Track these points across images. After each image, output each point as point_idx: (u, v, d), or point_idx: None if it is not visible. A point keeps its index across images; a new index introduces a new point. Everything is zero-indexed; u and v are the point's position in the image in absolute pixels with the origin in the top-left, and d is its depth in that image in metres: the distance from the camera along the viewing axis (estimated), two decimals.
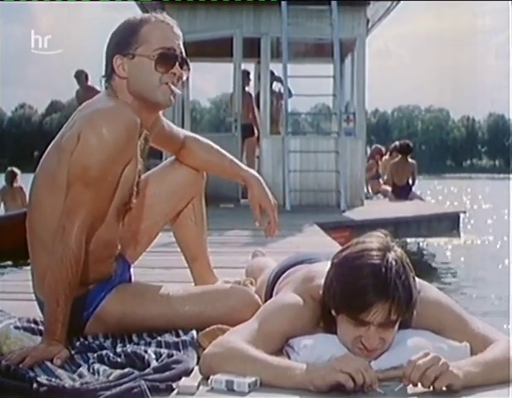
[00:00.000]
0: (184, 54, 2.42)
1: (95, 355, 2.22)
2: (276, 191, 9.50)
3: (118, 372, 2.02)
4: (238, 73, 10.72)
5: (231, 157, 2.86)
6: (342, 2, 10.30)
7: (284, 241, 5.91)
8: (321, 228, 7.39)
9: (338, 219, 8.87)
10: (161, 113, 2.61)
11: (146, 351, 2.17)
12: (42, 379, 1.94)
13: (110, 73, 2.41)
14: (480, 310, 6.48)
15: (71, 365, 2.16)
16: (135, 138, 2.32)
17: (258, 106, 11.06)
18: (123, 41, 2.38)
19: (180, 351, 2.22)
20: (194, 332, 2.38)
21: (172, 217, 2.89)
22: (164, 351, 2.19)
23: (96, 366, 2.11)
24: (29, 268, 2.51)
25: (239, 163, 2.86)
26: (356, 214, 9.44)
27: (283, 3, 10.22)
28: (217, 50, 11.47)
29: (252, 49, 10.73)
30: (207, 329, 2.37)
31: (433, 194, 24.34)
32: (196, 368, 2.09)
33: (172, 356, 2.12)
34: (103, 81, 2.45)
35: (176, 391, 1.94)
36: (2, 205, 11.06)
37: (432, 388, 1.86)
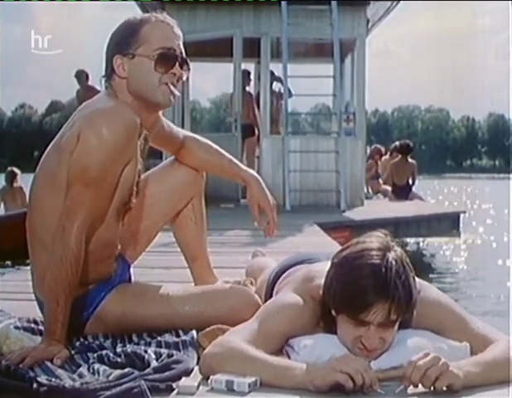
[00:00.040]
0: (184, 54, 2.42)
1: (95, 355, 2.22)
2: (276, 191, 9.52)
3: (118, 372, 2.02)
4: (238, 73, 10.72)
5: (230, 157, 2.86)
6: (342, 2, 10.30)
7: (284, 241, 5.92)
8: (321, 228, 7.39)
9: (338, 219, 8.87)
10: (160, 113, 2.61)
11: (146, 351, 2.17)
12: (42, 379, 1.94)
13: (110, 73, 2.41)
14: (480, 310, 6.49)
15: (71, 365, 2.16)
16: (135, 138, 2.32)
17: (258, 106, 11.06)
18: (123, 40, 2.38)
19: (180, 351, 2.22)
20: (194, 332, 2.38)
21: (172, 217, 2.89)
22: (164, 351, 2.19)
23: (96, 366, 2.11)
24: (29, 268, 2.51)
25: (238, 163, 2.86)
26: (356, 214, 9.44)
27: (283, 3, 10.22)
28: (217, 50, 11.47)
29: (252, 49, 10.73)
30: (207, 329, 2.37)
31: (433, 194, 24.35)
32: (196, 368, 2.09)
33: (172, 356, 2.12)
34: (103, 81, 2.45)
35: (176, 391, 1.94)
36: (2, 205, 11.06)
37: (432, 388, 1.86)
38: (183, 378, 1.99)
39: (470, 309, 5.23)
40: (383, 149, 14.64)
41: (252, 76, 11.98)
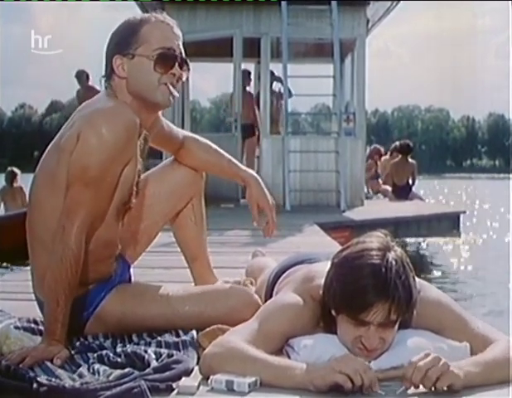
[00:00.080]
0: (183, 54, 2.42)
1: (95, 355, 2.22)
2: (276, 191, 9.52)
3: (118, 372, 2.02)
4: (238, 73, 10.72)
5: (229, 157, 2.86)
6: (342, 2, 10.30)
7: (284, 241, 5.92)
8: (321, 228, 7.39)
9: (338, 219, 8.87)
10: (160, 113, 2.61)
11: (146, 352, 2.17)
12: (42, 379, 1.94)
13: (110, 73, 2.41)
14: (480, 310, 6.48)
15: (71, 365, 2.16)
16: (135, 138, 2.32)
17: (258, 106, 11.06)
18: (123, 41, 2.38)
19: (180, 351, 2.22)
20: (194, 332, 2.38)
21: (172, 217, 2.89)
22: (164, 351, 2.19)
23: (96, 366, 2.11)
24: (29, 268, 2.51)
25: (238, 163, 2.86)
26: (356, 214, 9.44)
27: (283, 3, 10.23)
28: (217, 50, 11.47)
29: (252, 49, 10.73)
30: (207, 329, 2.37)
31: (433, 194, 24.34)
32: (196, 368, 2.09)
33: (172, 356, 2.12)
34: (102, 81, 2.45)
35: (176, 391, 1.94)
36: (2, 205, 11.06)
37: (433, 389, 1.86)
38: (183, 378, 1.99)
39: (471, 309, 5.23)
40: (382, 149, 14.64)
41: (252, 76, 11.98)
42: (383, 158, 14.03)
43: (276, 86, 11.37)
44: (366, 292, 1.97)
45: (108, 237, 2.44)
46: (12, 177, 11.06)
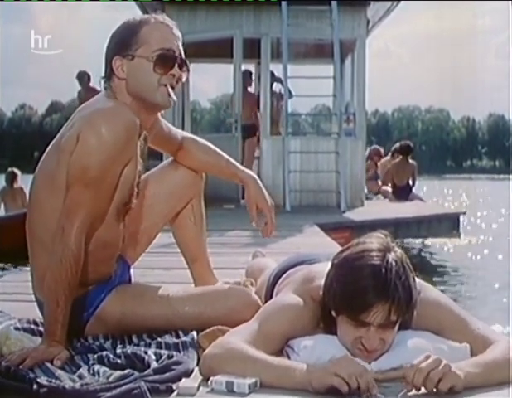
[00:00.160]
0: (183, 55, 2.42)
1: (95, 356, 2.22)
2: (276, 192, 9.53)
3: (118, 373, 2.01)
4: (238, 74, 10.71)
5: (228, 157, 2.86)
6: (342, 3, 10.30)
7: (284, 242, 5.92)
8: (321, 229, 7.39)
9: (338, 219, 8.87)
10: (159, 114, 2.61)
11: (146, 353, 2.17)
12: (42, 380, 1.94)
13: (109, 74, 2.41)
14: (480, 310, 6.48)
15: (71, 366, 2.16)
16: (134, 139, 2.32)
17: (259, 107, 11.06)
18: (123, 42, 2.38)
19: (180, 352, 2.22)
20: (194, 333, 2.38)
21: (172, 218, 2.89)
22: (164, 352, 2.19)
23: (96, 367, 2.11)
24: (29, 269, 2.51)
25: (237, 164, 2.86)
26: (356, 214, 9.44)
27: (283, 4, 10.23)
28: (217, 50, 11.46)
29: (252, 49, 10.72)
30: (207, 330, 2.38)
31: (433, 194, 24.34)
32: (196, 369, 2.09)
33: (172, 357, 2.12)
34: (102, 82, 2.45)
35: (176, 392, 1.94)
36: (3, 205, 11.06)
37: (434, 390, 1.86)
38: (183, 379, 1.99)
39: (471, 310, 5.23)
40: (382, 150, 14.63)
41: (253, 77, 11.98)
42: (383, 159, 14.02)
43: (276, 87, 11.36)
44: (366, 293, 1.97)
45: (109, 238, 2.44)
46: (12, 178, 11.06)
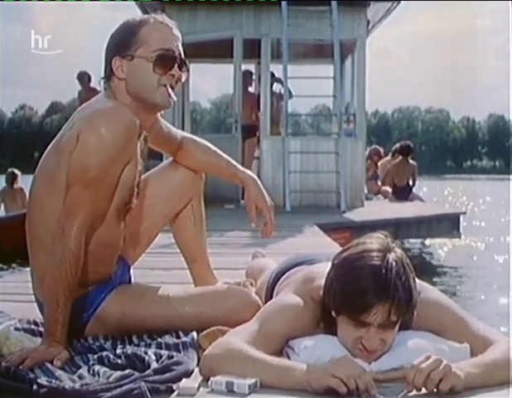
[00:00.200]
0: (183, 55, 2.42)
1: (95, 356, 2.21)
2: (276, 192, 9.53)
3: (118, 374, 2.01)
4: (238, 74, 10.71)
5: (228, 157, 2.86)
6: (342, 3, 10.29)
7: (284, 242, 5.92)
8: (321, 229, 7.38)
9: (338, 220, 8.86)
10: (159, 114, 2.61)
11: (146, 353, 2.17)
12: (42, 380, 1.94)
13: (109, 74, 2.41)
14: (480, 311, 6.48)
15: (71, 366, 2.16)
16: (134, 139, 2.32)
17: (259, 107, 11.05)
18: (122, 42, 2.38)
19: (180, 352, 2.22)
20: (194, 334, 2.38)
21: (171, 218, 2.89)
22: (164, 352, 2.19)
23: (96, 367, 2.11)
24: (29, 269, 2.51)
25: (236, 164, 2.86)
26: (356, 215, 9.43)
27: (283, 4, 10.22)
28: (217, 51, 11.46)
29: (252, 50, 10.72)
30: (207, 330, 2.37)
31: (433, 195, 24.34)
32: (197, 369, 2.09)
33: (172, 357, 2.12)
34: (102, 82, 2.45)
35: (176, 393, 1.94)
36: (3, 206, 11.07)
37: (435, 391, 1.86)
38: (183, 379, 1.99)
39: (471, 310, 5.23)
40: (381, 150, 14.63)
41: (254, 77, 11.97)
42: (383, 160, 14.01)
43: (276, 87, 11.35)
44: (366, 293, 1.97)
45: (109, 238, 2.44)
46: (12, 179, 11.07)
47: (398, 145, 13.72)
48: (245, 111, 10.81)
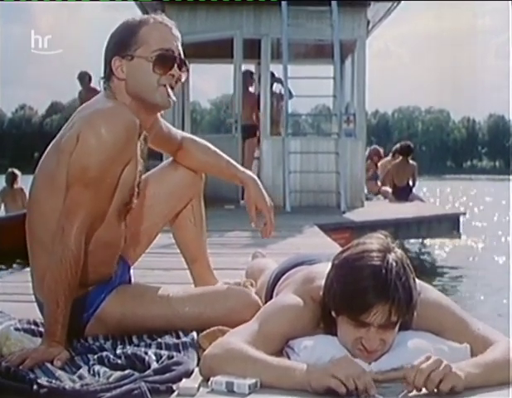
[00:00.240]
0: (182, 55, 2.42)
1: (95, 356, 2.21)
2: (276, 193, 9.52)
3: (118, 374, 2.01)
4: (238, 74, 10.70)
5: (228, 158, 2.86)
6: (342, 3, 10.28)
7: (284, 242, 5.92)
8: (321, 229, 7.38)
9: (338, 220, 8.86)
10: (159, 114, 2.61)
11: (146, 353, 2.17)
12: (42, 380, 1.94)
13: (109, 74, 2.41)
14: (480, 311, 6.48)
15: (71, 366, 2.16)
16: (134, 139, 2.32)
17: (259, 107, 11.05)
18: (122, 42, 2.38)
19: (180, 352, 2.22)
20: (194, 334, 2.38)
21: (171, 218, 2.89)
22: (164, 352, 2.19)
23: (96, 367, 2.11)
24: (29, 269, 2.51)
25: (236, 164, 2.86)
26: (356, 215, 9.43)
27: (283, 4, 10.22)
28: (217, 51, 11.45)
29: (252, 50, 10.71)
30: (207, 330, 2.37)
31: (433, 195, 24.34)
32: (197, 369, 2.09)
33: (173, 357, 2.12)
34: (101, 82, 2.45)
35: (176, 393, 1.94)
36: (3, 206, 11.08)
37: (435, 391, 1.86)
38: (183, 379, 1.99)
39: (471, 310, 5.23)
40: (381, 150, 14.62)
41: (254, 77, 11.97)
42: (384, 160, 14.01)
43: (276, 87, 11.35)
44: (366, 293, 1.97)
45: (110, 238, 2.44)
46: (12, 179, 11.08)
47: (398, 145, 13.72)
48: (245, 111, 10.80)
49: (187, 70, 2.45)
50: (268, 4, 10.23)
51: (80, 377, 2.04)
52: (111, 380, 1.97)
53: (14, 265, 8.25)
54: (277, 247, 5.31)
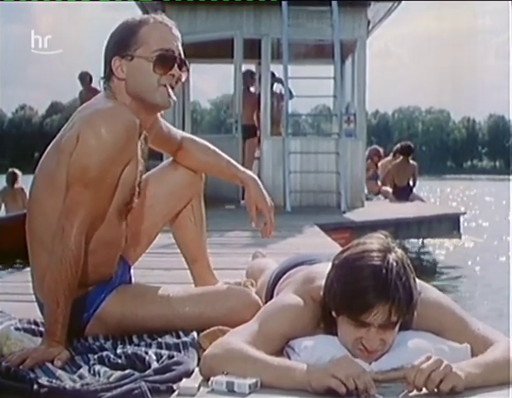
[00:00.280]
0: (182, 55, 2.42)
1: (96, 356, 2.21)
2: (276, 193, 9.52)
3: (118, 373, 2.01)
4: (238, 74, 10.70)
5: (228, 158, 2.86)
6: (343, 3, 10.28)
7: (284, 242, 5.92)
8: (321, 229, 7.38)
9: (338, 220, 8.86)
10: (159, 114, 2.61)
11: (146, 353, 2.17)
12: (43, 380, 1.94)
13: (109, 74, 2.41)
14: (480, 311, 6.48)
15: (72, 366, 2.16)
16: (134, 139, 2.32)
17: (259, 107, 11.05)
18: (122, 42, 2.38)
19: (180, 352, 2.22)
20: (194, 334, 2.38)
21: (171, 218, 2.89)
22: (164, 352, 2.19)
23: (97, 367, 2.11)
24: (29, 269, 2.51)
25: (236, 164, 2.86)
26: (357, 215, 9.43)
27: (284, 4, 10.22)
28: (217, 51, 11.46)
29: (252, 50, 10.71)
30: (208, 330, 2.37)
31: (433, 195, 24.34)
32: (197, 369, 2.09)
33: (173, 357, 2.12)
34: (101, 82, 2.45)
35: (176, 393, 1.94)
36: (3, 206, 11.08)
37: (435, 391, 1.86)
38: (184, 379, 1.99)
39: (471, 310, 5.23)
40: (381, 150, 14.62)
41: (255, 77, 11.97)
42: (384, 160, 14.00)
43: (276, 87, 11.34)
44: (367, 293, 1.97)
45: (111, 238, 2.44)
46: (13, 179, 11.09)
47: (398, 145, 13.72)
48: (246, 111, 10.81)
49: (187, 70, 2.45)
50: (269, 4, 10.23)
51: (81, 377, 2.04)
52: (111, 379, 1.97)
53: (14, 265, 8.25)
54: (277, 247, 5.30)
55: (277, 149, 10.65)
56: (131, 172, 2.37)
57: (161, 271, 4.20)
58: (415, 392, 1.88)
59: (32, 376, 1.98)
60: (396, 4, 10.96)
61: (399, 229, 8.95)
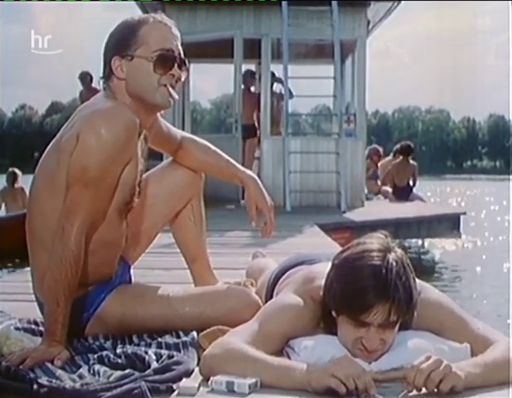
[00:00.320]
0: (182, 55, 2.42)
1: (96, 356, 2.21)
2: (276, 192, 9.52)
3: (118, 373, 2.01)
4: (238, 74, 10.71)
5: (228, 157, 2.86)
6: (343, 3, 10.29)
7: (284, 242, 5.92)
8: (321, 229, 7.39)
9: (338, 220, 8.86)
10: (159, 114, 2.61)
11: (146, 353, 2.17)
12: (43, 380, 1.94)
13: (108, 74, 2.41)
14: (480, 311, 6.49)
15: (72, 366, 2.16)
16: (134, 138, 2.32)
17: (259, 107, 11.05)
18: (122, 42, 2.38)
19: (180, 352, 2.22)
20: (194, 333, 2.38)
21: (171, 218, 2.89)
22: (164, 352, 2.19)
23: (96, 367, 2.11)
24: (29, 269, 2.51)
25: (236, 164, 2.86)
26: (357, 215, 9.43)
27: (284, 4, 10.22)
28: (217, 50, 11.45)
29: (252, 50, 10.72)
30: (207, 330, 2.37)
31: (433, 195, 24.34)
32: (197, 369, 2.09)
33: (173, 357, 2.12)
34: (101, 82, 2.45)
35: (176, 392, 1.94)
36: (3, 206, 11.09)
37: (435, 391, 1.86)
38: (183, 379, 1.99)
39: (471, 310, 5.23)
40: (381, 150, 14.61)
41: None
42: (384, 160, 14.00)
43: (276, 87, 11.35)
44: (366, 293, 1.97)
45: (111, 238, 2.43)
46: (13, 178, 11.09)
47: (398, 145, 13.71)
48: (246, 111, 10.81)
49: (187, 70, 2.45)
50: (269, 4, 10.23)
51: (81, 377, 2.04)
52: (111, 379, 1.97)
53: (14, 265, 8.25)
54: (277, 247, 5.30)
55: (277, 149, 10.65)
56: (131, 171, 2.37)
57: (161, 271, 4.20)
58: (415, 392, 1.88)
59: (32, 375, 1.98)
60: (396, 4, 10.96)
61: (399, 229, 8.95)
